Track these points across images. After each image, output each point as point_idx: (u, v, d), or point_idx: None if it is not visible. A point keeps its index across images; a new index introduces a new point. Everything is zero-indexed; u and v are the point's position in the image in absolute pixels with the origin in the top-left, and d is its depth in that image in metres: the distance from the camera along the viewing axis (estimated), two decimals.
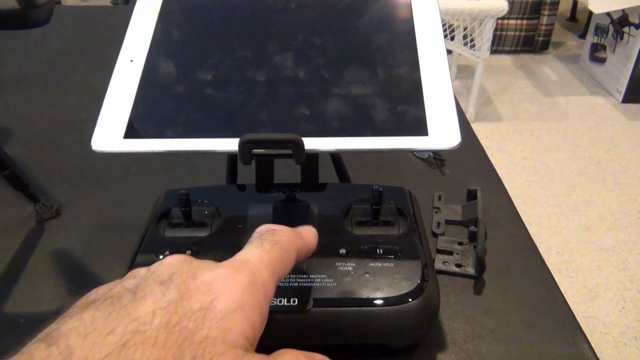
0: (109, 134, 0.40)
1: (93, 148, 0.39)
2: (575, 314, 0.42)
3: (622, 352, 1.34)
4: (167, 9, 0.48)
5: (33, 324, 0.41)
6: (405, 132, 0.39)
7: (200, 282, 0.25)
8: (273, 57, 0.44)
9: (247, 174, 0.49)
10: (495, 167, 0.59)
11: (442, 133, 0.39)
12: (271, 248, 0.30)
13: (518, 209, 0.53)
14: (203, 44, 0.46)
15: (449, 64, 0.44)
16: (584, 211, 1.80)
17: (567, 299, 0.44)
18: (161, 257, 0.39)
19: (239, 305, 0.25)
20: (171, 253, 0.39)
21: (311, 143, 0.39)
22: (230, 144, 0.39)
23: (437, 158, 0.59)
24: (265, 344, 0.37)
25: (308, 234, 0.34)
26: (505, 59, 2.81)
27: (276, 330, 0.36)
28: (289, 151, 0.39)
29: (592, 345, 0.40)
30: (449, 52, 2.35)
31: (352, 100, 0.41)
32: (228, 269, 0.27)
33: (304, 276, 0.37)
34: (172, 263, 0.27)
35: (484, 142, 0.62)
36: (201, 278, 0.26)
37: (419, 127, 0.39)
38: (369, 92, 0.42)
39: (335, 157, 0.51)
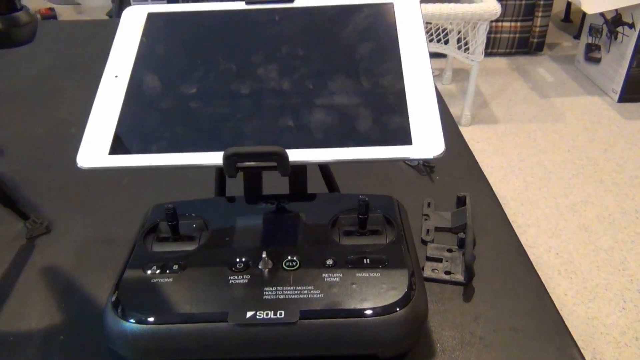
0: (95, 150, 0.40)
1: (79, 165, 0.39)
2: (575, 316, 0.42)
3: (623, 352, 1.34)
4: (151, 24, 0.48)
5: (22, 341, 0.41)
6: (389, 142, 0.39)
7: None
8: (257, 69, 0.44)
9: (236, 186, 0.49)
10: (492, 169, 0.59)
11: (426, 142, 0.39)
12: None
13: (516, 211, 0.53)
14: (187, 59, 0.46)
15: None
16: (582, 212, 1.80)
17: (566, 300, 0.44)
18: (148, 272, 0.39)
19: None
20: (159, 268, 0.39)
21: (296, 155, 0.39)
22: (216, 158, 0.39)
23: (426, 165, 0.59)
24: (253, 357, 0.37)
25: None
26: (500, 61, 2.81)
27: (263, 342, 0.36)
28: (274, 164, 0.39)
29: (593, 347, 0.40)
30: (443, 56, 2.36)
31: (336, 111, 0.41)
32: None
33: (291, 288, 0.37)
34: None
35: (480, 145, 0.62)
36: None
37: (403, 137, 0.39)
38: (353, 103, 0.42)
39: (324, 167, 0.52)
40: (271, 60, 0.45)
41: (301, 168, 0.47)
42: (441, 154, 0.38)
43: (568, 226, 1.74)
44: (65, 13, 3.27)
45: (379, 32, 0.46)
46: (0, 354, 0.40)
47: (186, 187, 0.59)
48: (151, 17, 0.49)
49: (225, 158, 0.38)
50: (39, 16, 3.00)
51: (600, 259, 1.62)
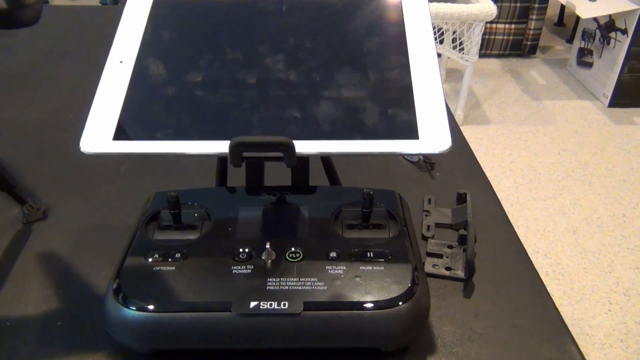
0: (98, 135, 0.39)
1: (82, 150, 0.38)
2: (562, 317, 0.42)
3: (608, 354, 1.35)
4: (158, 10, 0.48)
5: (19, 327, 0.40)
6: (395, 136, 0.39)
7: None
8: (264, 59, 0.44)
9: (237, 176, 0.49)
10: (483, 170, 0.59)
11: (432, 137, 0.39)
12: None
13: (505, 211, 0.53)
14: (193, 46, 0.45)
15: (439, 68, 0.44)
16: (571, 214, 1.82)
17: (553, 301, 0.44)
18: (150, 260, 0.39)
19: None
20: (161, 256, 0.39)
21: (302, 146, 0.39)
22: (221, 147, 0.39)
23: (427, 161, 0.59)
24: (257, 347, 0.37)
25: None
26: (494, 63, 2.82)
27: (266, 333, 0.36)
28: (280, 154, 0.38)
29: (579, 347, 0.40)
30: (438, 55, 2.36)
31: (343, 104, 0.41)
32: None
33: (294, 279, 0.37)
34: None
35: (472, 146, 0.63)
36: None
37: (410, 131, 0.39)
38: (360, 96, 0.42)
39: (326, 160, 0.51)
40: (278, 51, 0.45)
41: (304, 160, 0.47)
42: (448, 149, 0.38)
43: (557, 228, 1.76)
44: None
45: (387, 25, 0.46)
46: None
47: (185, 176, 0.58)
48: (157, 3, 0.48)
49: (231, 147, 0.38)
50: None
51: (587, 261, 1.63)
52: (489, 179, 0.57)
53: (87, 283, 0.45)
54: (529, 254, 0.48)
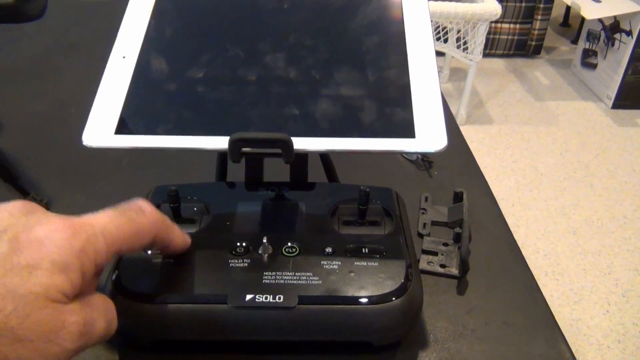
0: (100, 129, 0.40)
1: (84, 143, 0.39)
2: (560, 317, 0.43)
3: (605, 354, 1.36)
4: (161, 6, 0.48)
5: None
6: (392, 134, 0.40)
7: (34, 237, 0.27)
8: (264, 56, 0.45)
9: (236, 172, 0.49)
10: (485, 169, 0.60)
11: (429, 136, 0.39)
12: (123, 223, 0.31)
13: (506, 211, 0.54)
14: (195, 42, 0.46)
15: (438, 67, 0.45)
16: (571, 215, 1.82)
17: (552, 301, 0.45)
18: (150, 252, 0.39)
19: (64, 267, 0.27)
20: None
21: (300, 143, 0.39)
22: (221, 142, 0.39)
23: (425, 160, 0.60)
24: (252, 339, 0.38)
25: (177, 234, 0.36)
26: (498, 63, 2.83)
27: (261, 325, 0.36)
28: (278, 150, 0.39)
29: (576, 347, 0.41)
30: (442, 54, 2.36)
31: (342, 102, 0.42)
32: (65, 228, 0.28)
33: (290, 273, 0.38)
34: (11, 212, 0.28)
35: (474, 145, 0.63)
36: (35, 233, 0.27)
37: (407, 130, 0.40)
38: (358, 94, 0.42)
39: (324, 157, 0.52)
40: (278, 48, 0.45)
41: (303, 157, 0.47)
42: (443, 148, 0.38)
43: (557, 228, 1.76)
44: None
45: (386, 24, 0.47)
46: None
47: (186, 171, 0.59)
48: None
49: (230, 143, 0.39)
50: None
51: (587, 262, 1.64)
52: (491, 178, 0.58)
53: None
54: (528, 254, 0.49)
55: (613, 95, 2.40)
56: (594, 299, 1.52)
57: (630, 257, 1.66)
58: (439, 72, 2.62)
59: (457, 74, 2.66)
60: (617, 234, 1.75)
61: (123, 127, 0.40)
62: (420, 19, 0.47)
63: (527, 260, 0.48)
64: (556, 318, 0.42)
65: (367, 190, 0.42)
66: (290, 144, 0.38)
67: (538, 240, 1.71)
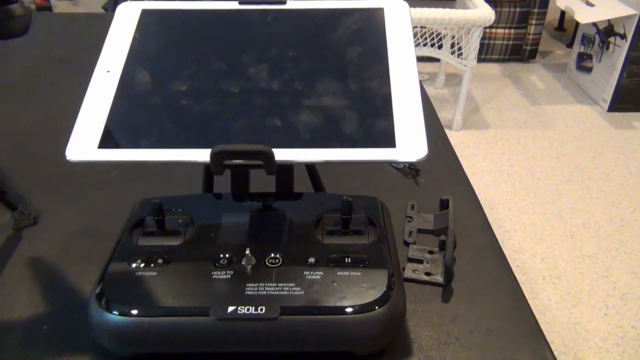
0: (84, 143, 0.40)
1: (67, 158, 0.40)
2: (559, 321, 0.43)
3: (605, 358, 1.35)
4: (145, 20, 0.49)
5: (5, 331, 0.41)
6: (374, 144, 0.40)
7: None
8: (247, 69, 0.45)
9: (223, 183, 0.50)
10: (482, 174, 0.60)
11: (409, 145, 0.40)
12: None
13: (503, 216, 0.54)
14: (179, 56, 0.47)
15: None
16: (568, 218, 1.82)
17: (550, 305, 0.45)
18: (133, 265, 0.40)
19: None
20: (143, 262, 0.40)
21: (282, 154, 0.39)
22: (203, 155, 0.40)
23: (412, 168, 0.60)
24: (233, 350, 0.38)
25: None
26: (493, 68, 2.83)
27: (244, 337, 0.37)
28: (260, 162, 0.39)
29: (575, 351, 0.41)
30: (437, 60, 2.37)
31: (323, 113, 0.42)
32: None
33: (273, 284, 0.38)
34: None
35: (470, 150, 0.64)
36: None
37: (387, 139, 0.40)
38: (340, 105, 0.43)
39: (310, 167, 0.52)
40: (261, 60, 0.46)
41: (288, 167, 0.48)
42: (424, 157, 0.39)
43: (554, 232, 1.76)
44: (60, 5, 3.26)
45: (369, 36, 0.47)
46: None
47: (174, 183, 0.59)
48: (145, 13, 0.49)
49: (212, 155, 0.39)
50: (34, 7, 2.98)
51: (584, 265, 1.64)
52: (487, 183, 0.58)
53: (73, 288, 0.46)
54: (526, 258, 0.49)
55: (609, 98, 2.41)
56: (592, 302, 1.51)
57: (627, 260, 1.66)
58: (430, 79, 2.62)
59: (452, 80, 2.66)
60: (615, 236, 1.74)
61: (107, 141, 0.41)
62: (401, 29, 0.47)
63: (524, 265, 0.48)
64: (554, 322, 0.42)
65: (350, 200, 0.42)
66: (272, 155, 0.39)
67: (535, 244, 1.71)
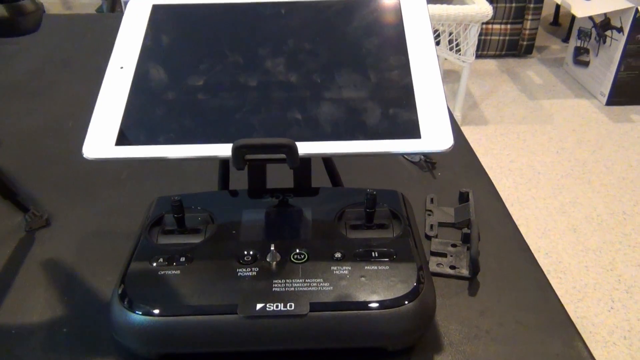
0: (101, 141, 0.39)
1: (85, 155, 0.38)
2: (568, 313, 0.42)
3: (612, 351, 1.35)
4: (157, 15, 0.48)
5: (24, 335, 0.40)
6: (397, 135, 0.39)
7: None
8: (264, 62, 0.44)
9: (239, 180, 0.49)
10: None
11: (434, 136, 0.39)
12: None
13: (507, 209, 0.53)
14: (194, 50, 0.46)
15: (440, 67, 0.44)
16: (571, 212, 1.82)
17: None
18: (155, 264, 0.39)
19: None
20: (165, 260, 0.39)
21: (304, 147, 0.39)
22: (223, 150, 0.39)
23: (428, 161, 0.59)
24: (263, 349, 0.37)
25: None
26: (490, 63, 2.83)
27: (273, 334, 0.36)
28: (283, 156, 0.39)
29: (586, 343, 0.40)
30: None
31: (345, 105, 0.41)
32: None
33: (300, 280, 0.37)
34: None
35: (471, 146, 0.63)
36: None
37: (412, 130, 0.39)
38: (361, 96, 0.42)
39: (328, 161, 0.51)
40: (278, 53, 0.45)
41: (306, 162, 0.47)
42: (450, 147, 0.38)
43: (557, 227, 1.76)
44: (53, 7, 3.24)
45: (386, 26, 0.46)
46: (3, 347, 0.39)
47: (186, 181, 0.58)
48: (156, 9, 0.48)
49: (234, 149, 0.38)
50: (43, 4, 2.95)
51: (588, 259, 1.64)
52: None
53: (92, 289, 0.44)
54: None
55: (607, 92, 2.41)
56: (598, 296, 1.51)
57: (631, 253, 1.66)
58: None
59: (450, 76, 2.66)
60: (617, 230, 1.74)
61: (124, 138, 0.40)
62: (419, 18, 0.47)
63: None
64: None
65: (374, 193, 0.42)
66: (295, 149, 0.38)
67: (539, 239, 1.70)
